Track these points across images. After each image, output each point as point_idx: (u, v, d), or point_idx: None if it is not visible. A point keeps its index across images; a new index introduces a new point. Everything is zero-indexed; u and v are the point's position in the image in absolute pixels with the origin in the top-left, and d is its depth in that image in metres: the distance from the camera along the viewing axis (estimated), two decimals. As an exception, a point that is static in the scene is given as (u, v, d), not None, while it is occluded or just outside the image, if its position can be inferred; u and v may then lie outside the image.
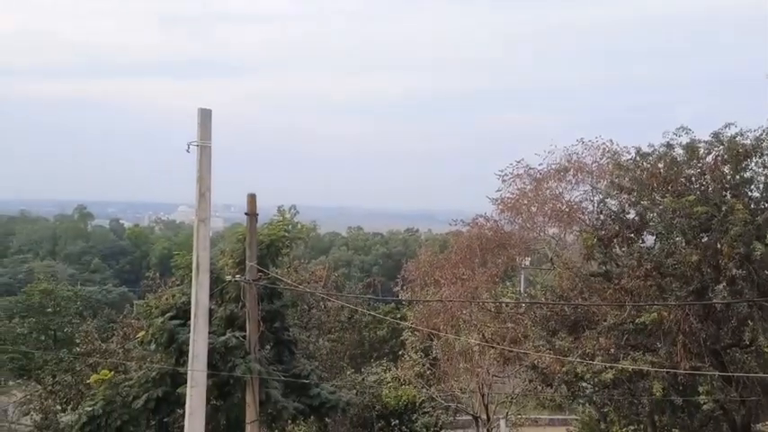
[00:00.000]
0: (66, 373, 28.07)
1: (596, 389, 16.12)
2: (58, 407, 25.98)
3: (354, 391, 19.12)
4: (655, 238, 15.27)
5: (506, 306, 20.17)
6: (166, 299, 17.32)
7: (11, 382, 37.42)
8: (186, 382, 12.48)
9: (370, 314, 25.19)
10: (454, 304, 19.45)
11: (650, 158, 15.51)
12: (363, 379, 22.43)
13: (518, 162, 21.62)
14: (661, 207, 14.44)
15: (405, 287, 24.25)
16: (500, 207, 21.57)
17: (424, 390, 21.53)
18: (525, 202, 21.34)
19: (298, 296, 20.68)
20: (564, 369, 14.83)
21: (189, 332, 12.62)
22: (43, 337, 45.11)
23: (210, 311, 13.76)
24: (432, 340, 22.13)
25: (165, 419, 15.06)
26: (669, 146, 15.41)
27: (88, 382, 18.34)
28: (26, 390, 33.37)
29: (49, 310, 46.22)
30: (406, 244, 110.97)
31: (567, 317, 16.22)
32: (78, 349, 26.09)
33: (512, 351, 17.90)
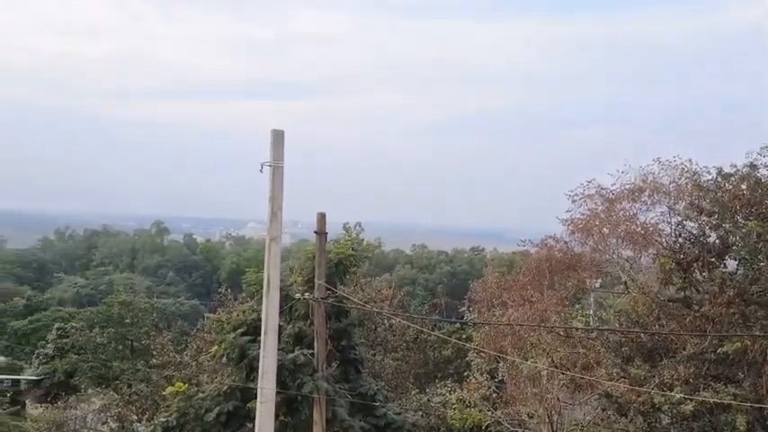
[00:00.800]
0: (142, 383, 29.27)
1: (674, 421, 15.34)
2: (135, 416, 27.09)
3: (420, 413, 18.95)
4: (738, 263, 14.52)
5: (577, 330, 19.57)
6: (237, 315, 17.81)
7: (90, 390, 39.21)
8: (256, 398, 12.73)
9: (435, 334, 25.01)
10: (522, 327, 19.05)
11: (732, 179, 14.81)
12: (429, 400, 22.23)
13: (589, 182, 21.06)
14: (744, 230, 13.74)
15: (471, 308, 23.92)
16: (570, 228, 21.01)
17: (490, 413, 21.11)
18: (597, 223, 20.71)
19: (364, 315, 20.81)
20: (640, 399, 14.22)
21: (259, 348, 12.90)
22: (121, 347, 47.15)
23: (280, 328, 14.03)
24: (498, 363, 21.71)
25: (235, 433, 15.41)
26: (753, 166, 14.67)
27: (164, 393, 19.04)
28: (104, 398, 34.93)
29: (128, 321, 48.30)
30: (472, 263, 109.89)
31: (642, 344, 15.58)
32: (155, 361, 27.16)
33: (583, 378, 17.33)
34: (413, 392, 22.88)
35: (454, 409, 21.77)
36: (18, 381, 47.97)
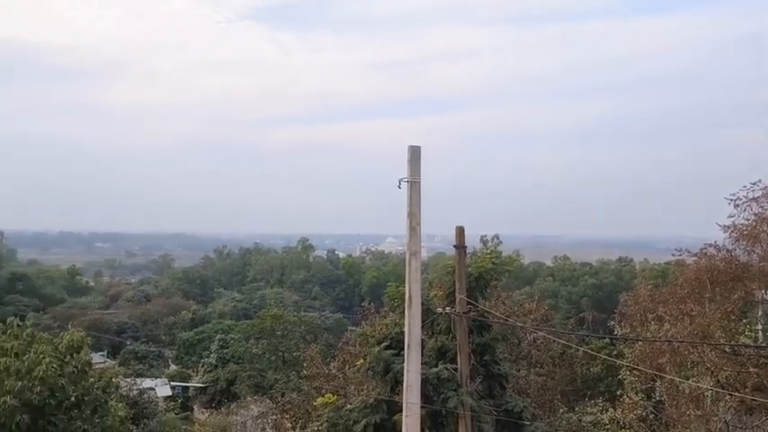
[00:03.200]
0: (294, 393, 30.87)
1: None
2: (289, 424, 28.61)
3: (570, 432, 18.15)
4: None
5: (746, 347, 17.75)
6: (381, 329, 18.26)
7: (248, 398, 42.03)
8: (401, 411, 12.92)
9: (583, 350, 23.86)
10: (682, 343, 17.64)
11: None
12: (579, 419, 21.22)
13: (754, 183, 19.14)
14: None
15: (622, 323, 22.58)
16: (734, 235, 19.22)
17: (648, 435, 19.72)
18: (765, 228, 18.77)
19: (507, 329, 20.40)
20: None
21: (403, 362, 13.09)
22: (274, 358, 50.15)
23: (422, 342, 14.15)
24: (655, 381, 20.27)
25: (383, 445, 15.71)
26: None
27: (314, 403, 19.95)
28: (261, 405, 37.26)
29: (279, 333, 51.33)
30: (619, 275, 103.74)
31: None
32: (305, 372, 28.56)
33: (755, 399, 15.66)
34: (560, 411, 21.97)
35: (607, 429, 20.61)
36: (187, 388, 52.54)
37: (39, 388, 14.93)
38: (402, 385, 13.04)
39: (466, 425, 13.92)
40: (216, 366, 53.38)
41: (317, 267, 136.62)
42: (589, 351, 23.77)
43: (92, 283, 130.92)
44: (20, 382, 14.82)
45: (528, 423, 15.13)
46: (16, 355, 15.58)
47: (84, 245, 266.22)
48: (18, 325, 16.59)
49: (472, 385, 14.92)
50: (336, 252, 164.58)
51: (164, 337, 78.51)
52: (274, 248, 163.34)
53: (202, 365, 56.29)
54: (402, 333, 13.79)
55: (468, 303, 14.61)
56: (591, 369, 26.41)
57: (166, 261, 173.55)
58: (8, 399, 14.52)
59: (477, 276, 16.15)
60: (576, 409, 23.05)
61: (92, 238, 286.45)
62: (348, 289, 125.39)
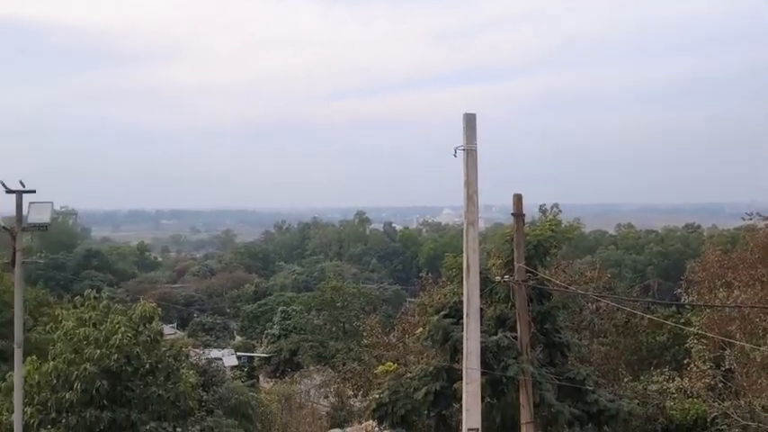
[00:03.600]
0: (355, 362, 31.54)
1: None
2: (351, 392, 29.30)
3: (635, 401, 17.83)
4: None
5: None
6: (439, 298, 18.33)
7: (311, 367, 43.18)
8: (461, 378, 13.02)
9: (649, 318, 23.24)
10: (752, 310, 16.97)
11: None
12: (644, 388, 20.80)
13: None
14: None
15: (689, 290, 21.87)
16: (811, 197, 18.21)
17: (716, 404, 19.15)
18: None
19: (568, 298, 20.09)
20: None
21: (462, 331, 13.14)
22: (335, 329, 51.22)
23: (481, 311, 14.14)
24: (724, 350, 19.60)
25: (444, 412, 15.90)
26: None
27: (375, 372, 20.34)
28: (323, 375, 38.24)
29: (339, 304, 52.31)
30: (686, 242, 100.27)
31: None
32: (365, 341, 29.07)
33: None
34: (625, 380, 21.59)
35: (674, 398, 20.15)
36: (252, 358, 54.37)
37: (116, 356, 15.78)
38: (461, 353, 13.12)
39: (527, 392, 13.91)
40: (279, 337, 54.94)
41: (375, 240, 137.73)
42: (655, 319, 23.16)
43: (160, 259, 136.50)
44: (98, 351, 15.71)
45: (591, 391, 14.97)
46: (94, 325, 16.50)
47: (152, 222, 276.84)
48: (95, 297, 17.52)
49: (533, 353, 14.85)
50: (393, 225, 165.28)
51: (228, 310, 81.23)
52: (332, 222, 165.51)
53: (266, 336, 58.05)
54: (460, 302, 13.81)
55: (527, 271, 14.47)
56: (657, 338, 25.75)
57: (229, 236, 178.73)
58: (88, 366, 15.42)
59: (536, 244, 15.93)
60: (642, 378, 22.60)
61: (158, 215, 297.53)
62: (405, 261, 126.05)
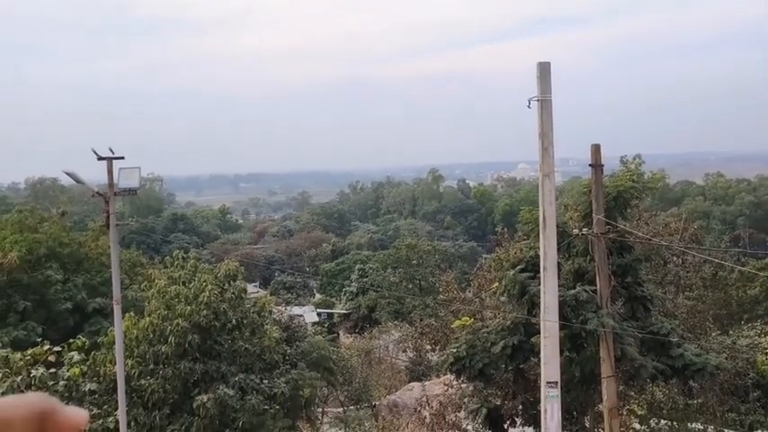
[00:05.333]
0: (432, 318, 31.88)
1: None
2: (428, 346, 29.74)
3: (724, 355, 17.18)
4: None
5: None
6: (515, 253, 18.11)
7: (389, 323, 44.10)
8: (539, 332, 12.94)
9: (739, 270, 22.09)
10: None
11: None
12: (734, 342, 19.97)
13: None
14: None
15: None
16: None
17: (815, 360, 18.18)
18: None
19: (651, 250, 19.37)
20: None
21: (539, 285, 12.99)
22: (411, 286, 51.85)
23: (558, 265, 13.90)
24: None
25: (522, 366, 15.90)
26: None
27: (452, 326, 20.48)
28: (401, 330, 39.00)
29: (414, 262, 52.78)
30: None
31: None
32: (441, 297, 29.28)
33: None
34: (713, 334, 20.80)
35: (766, 353, 19.27)
36: (332, 314, 56.05)
37: (204, 312, 16.70)
38: (538, 307, 13.01)
39: (607, 346, 13.66)
40: (357, 294, 56.22)
41: (448, 197, 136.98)
42: (747, 271, 22.02)
43: (241, 221, 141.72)
44: (188, 307, 16.66)
45: (676, 345, 14.52)
46: (183, 283, 17.46)
47: (231, 186, 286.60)
48: (183, 258, 18.50)
49: (613, 307, 14.52)
50: (467, 181, 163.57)
51: (308, 269, 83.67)
52: (405, 181, 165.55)
53: (344, 294, 59.54)
54: (537, 256, 13.62)
55: (607, 224, 14.04)
56: (748, 291, 24.55)
57: (305, 198, 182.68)
58: (180, 321, 16.41)
59: (616, 196, 15.37)
60: (731, 332, 21.70)
61: (237, 179, 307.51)
62: (480, 218, 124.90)
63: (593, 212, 13.97)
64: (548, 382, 12.10)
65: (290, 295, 62.81)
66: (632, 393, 16.85)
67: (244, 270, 19.29)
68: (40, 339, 18.61)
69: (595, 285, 14.27)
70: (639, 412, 17.01)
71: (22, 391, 16.70)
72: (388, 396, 30.55)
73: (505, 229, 25.21)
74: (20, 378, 16.84)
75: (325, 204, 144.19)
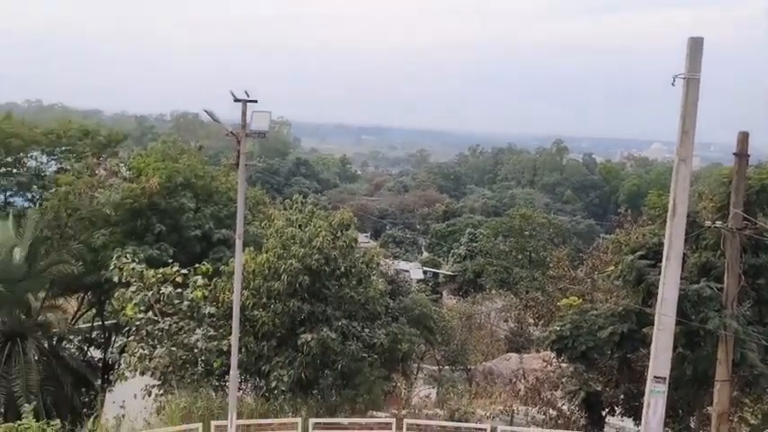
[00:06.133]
0: (538, 292, 31.30)
1: None
2: (531, 320, 29.32)
3: None
4: None
5: None
6: (637, 237, 17.22)
7: (493, 291, 43.78)
8: (652, 323, 12.32)
9: None
10: None
11: None
12: None
13: None
14: None
15: None
16: None
17: None
18: None
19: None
20: None
21: (659, 274, 12.30)
22: (520, 257, 50.94)
23: (684, 256, 13.05)
24: None
25: (629, 355, 15.29)
26: None
27: (558, 304, 20.00)
28: (505, 299, 38.59)
29: (527, 233, 51.66)
30: None
31: None
32: (551, 273, 28.59)
33: None
34: None
35: None
36: (437, 274, 56.47)
37: (316, 256, 17.39)
38: (655, 298, 12.36)
39: (726, 349, 12.79)
40: (464, 258, 56.15)
41: (571, 171, 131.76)
42: None
43: (359, 172, 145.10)
44: (302, 249, 17.42)
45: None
46: (300, 226, 18.24)
47: (353, 137, 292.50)
48: (301, 202, 19.30)
49: (739, 309, 13.49)
50: (593, 156, 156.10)
51: (418, 226, 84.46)
52: (527, 149, 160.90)
53: (452, 255, 59.66)
54: (660, 244, 12.88)
55: (744, 219, 12.95)
56: None
57: (423, 156, 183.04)
58: (293, 262, 17.23)
59: (759, 189, 14.12)
60: None
61: (359, 131, 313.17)
62: (603, 195, 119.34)
63: (731, 205, 12.92)
64: (655, 377, 11.57)
65: (398, 250, 63.92)
66: (747, 401, 15.74)
67: (357, 220, 19.80)
68: (170, 261, 20.38)
69: (722, 283, 13.32)
70: (752, 421, 15.88)
71: (151, 306, 18.46)
72: (484, 362, 30.62)
73: (629, 211, 23.98)
74: (150, 293, 18.60)
75: (442, 164, 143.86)
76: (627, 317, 14.77)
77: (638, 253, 14.98)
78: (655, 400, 11.62)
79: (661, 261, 12.12)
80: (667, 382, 11.60)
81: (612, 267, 16.87)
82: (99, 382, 24.67)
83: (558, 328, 16.15)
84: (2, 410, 19.71)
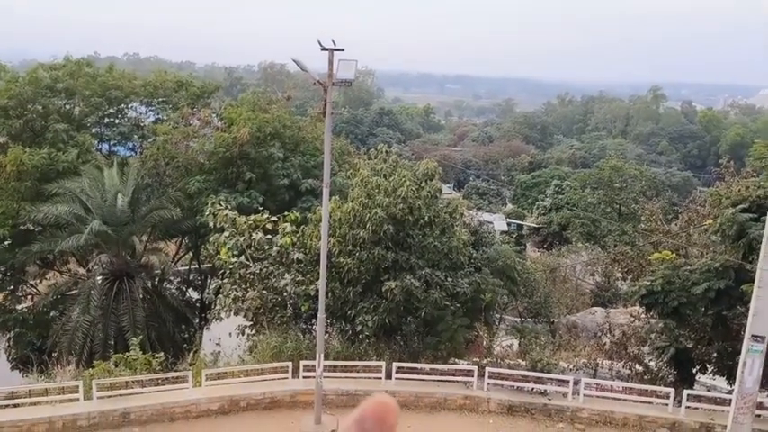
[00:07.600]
0: (627, 246, 30.21)
1: None
2: (619, 274, 28.45)
3: None
4: None
5: None
6: (739, 190, 16.19)
7: (579, 244, 42.71)
8: (752, 280, 11.69)
9: None
10: None
11: None
12: None
13: None
14: None
15: None
16: None
17: None
18: None
19: None
20: None
21: (762, 228, 11.59)
22: (609, 210, 49.18)
23: (793, 211, 12.20)
24: None
25: (725, 313, 14.64)
26: None
27: (649, 258, 19.28)
28: (591, 253, 37.62)
29: (617, 185, 49.65)
30: None
31: None
32: (642, 226, 27.46)
33: None
34: None
35: None
36: (521, 226, 55.60)
37: (401, 205, 17.58)
38: (757, 253, 11.68)
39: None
40: (550, 210, 54.85)
41: (668, 120, 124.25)
42: None
43: (443, 122, 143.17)
44: (387, 199, 17.65)
45: None
46: (384, 176, 18.43)
47: (437, 86, 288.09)
48: (386, 152, 19.41)
49: None
50: (693, 104, 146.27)
51: (503, 178, 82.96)
52: (620, 97, 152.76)
53: (537, 208, 58.42)
54: (765, 197, 12.07)
55: None
56: None
57: (509, 105, 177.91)
58: (378, 211, 17.51)
59: None
60: None
61: (443, 80, 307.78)
62: (703, 146, 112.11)
63: None
64: (753, 336, 11.05)
65: (481, 201, 63.23)
66: None
67: (441, 171, 19.72)
68: (260, 208, 21.22)
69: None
70: None
71: (243, 250, 19.40)
72: (568, 315, 30.21)
73: (731, 162, 22.42)
74: (242, 239, 19.51)
75: (529, 114, 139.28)
76: (724, 273, 14.08)
77: (741, 206, 14.14)
78: (752, 360, 11.13)
79: (765, 215, 11.40)
80: (766, 341, 11.06)
81: (711, 221, 16.00)
82: (197, 320, 26.42)
83: (649, 283, 15.64)
84: (112, 342, 21.58)
